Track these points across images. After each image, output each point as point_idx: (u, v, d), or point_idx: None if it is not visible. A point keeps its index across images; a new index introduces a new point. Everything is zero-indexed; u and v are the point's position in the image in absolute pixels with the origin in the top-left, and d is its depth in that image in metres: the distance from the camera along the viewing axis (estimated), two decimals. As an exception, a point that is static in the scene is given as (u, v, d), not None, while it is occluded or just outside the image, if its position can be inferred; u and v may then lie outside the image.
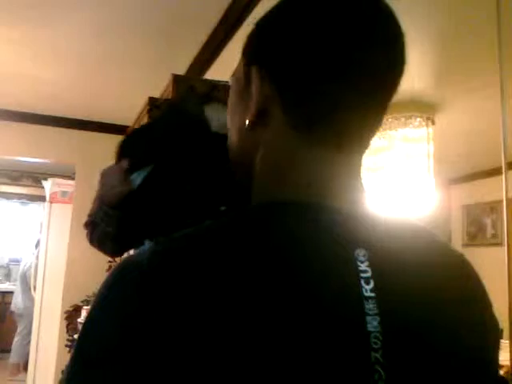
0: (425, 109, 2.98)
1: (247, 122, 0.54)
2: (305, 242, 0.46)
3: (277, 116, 0.52)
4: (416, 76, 2.57)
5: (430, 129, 3.05)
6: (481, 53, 2.38)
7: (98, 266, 3.74)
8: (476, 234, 5.10)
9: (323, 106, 0.50)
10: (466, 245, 5.04)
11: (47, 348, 3.87)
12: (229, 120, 0.61)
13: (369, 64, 0.50)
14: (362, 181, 0.54)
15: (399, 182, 2.98)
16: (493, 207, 4.88)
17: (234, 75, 0.59)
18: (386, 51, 0.51)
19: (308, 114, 0.51)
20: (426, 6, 1.99)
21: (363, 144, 0.54)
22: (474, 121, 3.33)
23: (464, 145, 3.88)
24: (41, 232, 4.44)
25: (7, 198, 6.89)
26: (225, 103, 1.05)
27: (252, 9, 2.07)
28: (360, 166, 0.54)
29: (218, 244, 0.45)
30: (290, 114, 0.52)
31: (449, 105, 3.03)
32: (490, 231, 4.96)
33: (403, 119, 2.97)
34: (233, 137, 0.60)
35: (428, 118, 3.03)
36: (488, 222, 4.98)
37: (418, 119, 3.00)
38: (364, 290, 0.45)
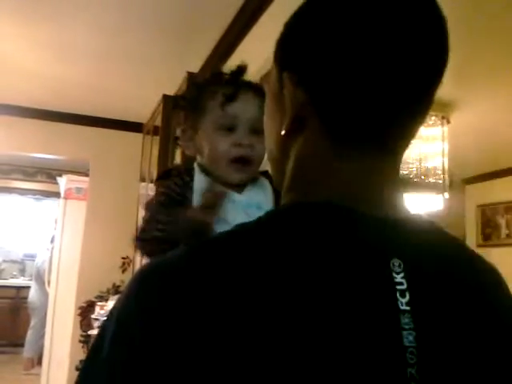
0: (440, 107, 2.95)
1: (283, 128, 0.52)
2: (339, 250, 0.44)
3: (313, 122, 0.50)
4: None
5: (446, 128, 3.03)
6: (499, 51, 2.35)
7: (111, 263, 3.78)
8: (490, 235, 5.05)
9: (360, 112, 0.48)
10: (480, 245, 5.00)
11: (61, 343, 3.91)
12: (265, 124, 0.59)
13: (405, 66, 0.47)
14: (399, 187, 0.52)
15: (413, 181, 2.96)
16: (507, 207, 4.83)
17: (267, 79, 0.57)
18: (423, 50, 0.48)
19: (345, 121, 0.49)
20: (443, 2, 1.96)
21: (403, 146, 0.52)
22: (490, 120, 3.29)
23: (479, 144, 3.84)
24: (55, 228, 4.49)
25: (21, 194, 6.95)
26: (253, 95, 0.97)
27: (267, 5, 2.07)
28: (398, 170, 0.52)
29: (250, 249, 0.44)
30: (326, 120, 0.50)
31: (465, 104, 2.99)
32: (504, 231, 4.91)
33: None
34: (269, 141, 0.58)
35: (443, 117, 3.00)
36: (502, 222, 4.92)
37: (433, 118, 2.97)
38: (400, 303, 0.43)
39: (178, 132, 1.07)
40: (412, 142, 0.53)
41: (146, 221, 0.97)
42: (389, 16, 0.47)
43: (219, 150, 0.97)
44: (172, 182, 0.98)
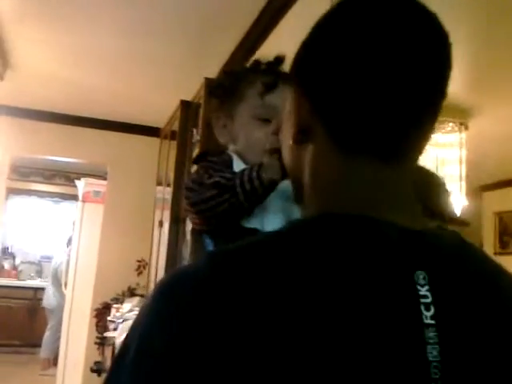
0: (458, 114, 2.93)
1: (291, 138, 0.54)
2: (362, 261, 0.44)
3: (320, 132, 0.51)
4: (450, 80, 2.53)
5: (463, 134, 3.00)
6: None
7: (127, 265, 3.81)
8: (508, 242, 4.98)
9: (363, 122, 0.48)
10: (497, 253, 4.93)
11: (77, 344, 3.95)
12: (282, 135, 0.60)
13: (412, 77, 0.48)
14: (412, 196, 0.51)
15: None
16: (527, 215, 4.77)
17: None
18: (432, 61, 0.48)
19: (349, 131, 0.49)
20: (460, 7, 1.95)
21: (412, 155, 0.51)
22: (509, 127, 3.26)
23: (498, 151, 3.80)
24: (73, 230, 4.54)
25: (40, 197, 7.05)
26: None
27: (285, 13, 2.08)
28: (410, 178, 0.51)
29: (273, 260, 0.44)
30: (330, 130, 0.50)
31: (483, 110, 2.97)
32: (523, 239, 4.84)
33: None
34: (285, 152, 0.59)
35: (461, 124, 2.98)
36: (521, 229, 4.86)
37: (451, 124, 2.95)
38: (424, 316, 0.42)
39: (212, 119, 1.04)
40: (422, 151, 0.52)
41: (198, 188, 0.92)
42: (390, 31, 0.48)
43: (255, 140, 0.95)
44: (215, 158, 0.97)
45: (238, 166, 0.96)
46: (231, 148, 1.01)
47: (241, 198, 0.88)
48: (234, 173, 0.93)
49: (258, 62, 1.02)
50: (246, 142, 0.97)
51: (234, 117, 1.00)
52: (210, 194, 0.89)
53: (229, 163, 0.96)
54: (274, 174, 0.87)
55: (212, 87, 1.08)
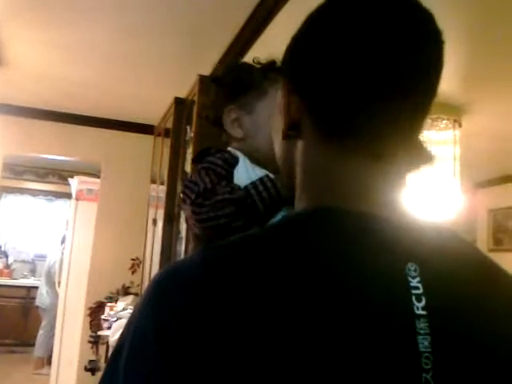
0: (452, 111, 2.93)
1: (281, 133, 0.55)
2: (355, 254, 0.45)
3: (308, 127, 0.52)
4: (443, 76, 2.53)
5: (457, 131, 3.01)
6: None
7: (121, 264, 3.80)
8: (502, 239, 5.01)
9: (351, 116, 0.49)
10: (491, 250, 4.96)
11: (71, 343, 3.93)
12: (273, 131, 0.62)
13: (399, 71, 0.48)
14: (402, 189, 0.52)
15: (424, 185, 2.94)
16: (520, 212, 4.79)
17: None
18: (419, 57, 0.49)
19: (338, 125, 0.50)
20: (453, 3, 1.95)
21: (399, 151, 0.51)
22: (503, 124, 3.27)
23: (492, 148, 3.81)
24: (66, 229, 4.52)
25: (34, 195, 7.02)
26: None
27: (278, 11, 2.07)
28: (399, 174, 0.52)
29: (268, 254, 0.44)
30: (319, 125, 0.51)
31: (477, 107, 2.97)
32: (516, 236, 4.87)
33: (429, 121, 2.93)
34: (276, 148, 0.60)
35: (455, 121, 2.98)
36: (515, 226, 4.88)
37: (445, 121, 2.96)
38: (415, 307, 0.43)
39: (224, 111, 1.01)
40: (413, 145, 0.52)
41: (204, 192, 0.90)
42: (381, 28, 0.48)
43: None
44: (215, 157, 0.95)
45: (244, 165, 0.95)
46: (236, 145, 1.00)
47: (261, 210, 0.88)
48: (231, 180, 0.92)
49: (274, 61, 1.01)
50: (264, 140, 0.95)
51: (251, 112, 0.99)
52: (229, 211, 0.87)
53: (232, 162, 0.95)
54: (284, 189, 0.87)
55: (222, 77, 1.07)
